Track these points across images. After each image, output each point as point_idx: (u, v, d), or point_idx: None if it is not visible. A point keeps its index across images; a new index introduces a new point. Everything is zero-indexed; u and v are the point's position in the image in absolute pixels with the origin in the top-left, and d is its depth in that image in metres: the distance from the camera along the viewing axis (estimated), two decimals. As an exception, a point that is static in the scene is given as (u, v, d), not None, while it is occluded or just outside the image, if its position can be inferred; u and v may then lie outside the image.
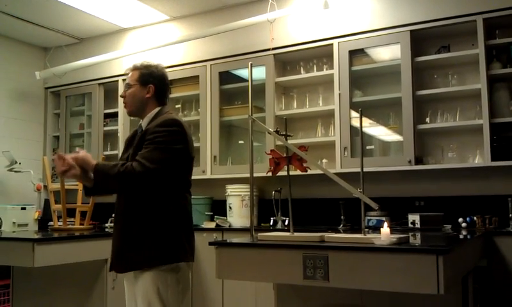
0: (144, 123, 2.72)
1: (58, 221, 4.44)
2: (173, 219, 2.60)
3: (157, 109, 2.74)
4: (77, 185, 4.52)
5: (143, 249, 2.54)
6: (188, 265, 2.67)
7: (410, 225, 3.82)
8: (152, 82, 2.73)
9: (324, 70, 4.70)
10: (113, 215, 2.78)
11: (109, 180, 2.53)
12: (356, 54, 4.48)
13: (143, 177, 2.47)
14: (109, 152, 5.66)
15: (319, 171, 2.63)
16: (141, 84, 2.72)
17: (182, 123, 2.66)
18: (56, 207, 4.40)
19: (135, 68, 2.77)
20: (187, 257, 2.62)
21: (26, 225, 4.73)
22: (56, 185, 4.56)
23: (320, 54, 4.71)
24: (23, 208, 4.79)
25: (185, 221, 2.67)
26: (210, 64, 5.11)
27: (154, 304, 2.52)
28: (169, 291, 2.55)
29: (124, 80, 5.42)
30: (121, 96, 2.78)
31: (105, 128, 5.81)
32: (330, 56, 4.56)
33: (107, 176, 2.52)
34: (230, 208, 4.73)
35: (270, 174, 2.65)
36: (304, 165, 2.55)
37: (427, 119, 4.27)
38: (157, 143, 2.54)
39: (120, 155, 3.04)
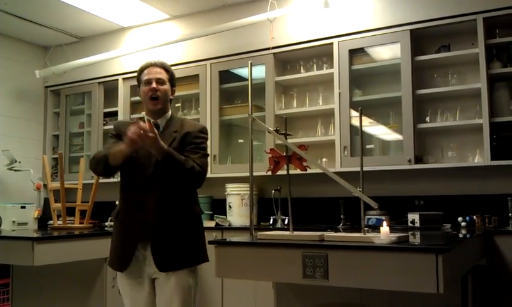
0: (161, 122, 2.76)
1: (58, 220, 4.44)
2: (200, 219, 2.80)
3: (170, 111, 2.83)
4: (76, 183, 4.53)
5: (188, 248, 2.63)
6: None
7: (410, 224, 3.82)
8: (175, 85, 2.85)
9: (324, 69, 4.70)
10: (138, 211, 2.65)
11: (180, 170, 2.55)
12: (356, 53, 4.47)
13: (202, 180, 2.67)
14: (108, 151, 5.65)
15: (318, 170, 2.63)
16: (170, 84, 2.80)
17: None
18: (55, 206, 4.40)
19: (164, 67, 2.80)
20: (207, 257, 2.74)
21: (26, 224, 4.73)
22: (56, 184, 4.56)
23: (320, 53, 4.71)
24: (23, 207, 4.79)
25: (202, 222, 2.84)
26: (210, 63, 5.11)
27: (190, 301, 2.62)
28: (196, 289, 2.69)
29: (126, 78, 5.56)
30: (154, 90, 2.71)
31: (105, 127, 5.80)
32: (330, 55, 4.55)
33: (181, 166, 2.55)
34: (230, 207, 4.73)
35: (270, 173, 2.65)
36: (304, 164, 2.55)
37: (427, 119, 4.27)
38: (202, 149, 2.73)
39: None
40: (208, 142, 4.89)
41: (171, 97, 2.83)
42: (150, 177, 2.63)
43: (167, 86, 2.77)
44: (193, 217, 2.74)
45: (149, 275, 2.63)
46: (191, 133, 2.72)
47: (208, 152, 2.83)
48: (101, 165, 2.63)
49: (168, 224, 2.60)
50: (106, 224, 4.77)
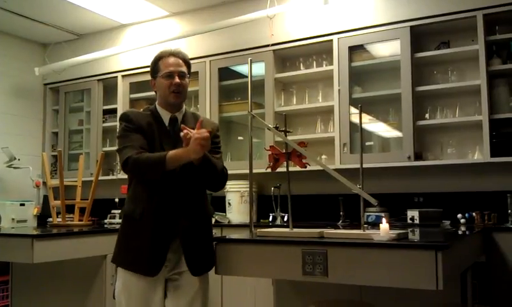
0: (179, 116, 2.63)
1: (57, 217, 4.44)
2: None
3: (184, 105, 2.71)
4: (75, 181, 4.52)
5: (212, 249, 2.54)
6: None
7: (409, 221, 3.83)
8: (190, 76, 2.71)
9: (324, 65, 4.69)
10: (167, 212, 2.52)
11: (214, 172, 2.52)
12: (355, 50, 4.47)
13: (226, 182, 2.66)
14: (108, 148, 5.65)
15: (318, 167, 2.63)
16: (189, 77, 2.67)
17: None
18: (54, 203, 4.40)
19: (185, 60, 2.66)
20: None
21: (25, 221, 4.73)
22: (55, 182, 4.56)
23: (320, 50, 4.71)
24: (22, 205, 4.78)
25: None
26: (210, 60, 5.10)
27: (207, 303, 2.59)
28: None
29: (125, 75, 5.55)
30: (178, 85, 2.57)
31: (104, 125, 5.80)
32: (330, 52, 4.55)
33: (214, 169, 2.50)
34: (229, 204, 4.73)
35: (269, 170, 2.65)
36: (304, 161, 2.55)
37: (427, 115, 4.27)
38: (220, 149, 2.70)
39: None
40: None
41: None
42: (178, 177, 2.48)
43: (188, 80, 2.64)
44: (210, 218, 2.71)
45: (165, 276, 2.51)
46: (211, 132, 2.51)
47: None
48: (158, 171, 2.40)
49: (196, 225, 2.53)
50: (106, 221, 4.76)
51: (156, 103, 2.66)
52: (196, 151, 2.32)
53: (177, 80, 2.56)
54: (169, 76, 2.57)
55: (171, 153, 2.39)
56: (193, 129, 2.39)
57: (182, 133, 2.36)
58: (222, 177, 2.59)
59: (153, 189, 2.49)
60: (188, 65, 2.67)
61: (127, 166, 2.45)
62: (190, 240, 2.49)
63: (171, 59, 2.60)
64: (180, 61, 2.62)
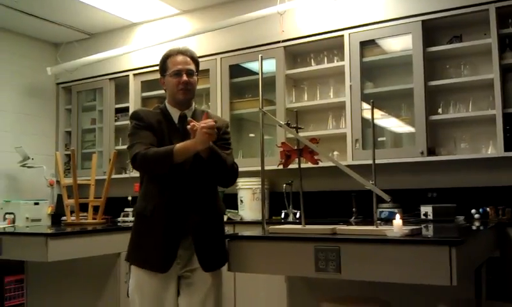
0: (188, 114, 2.63)
1: (71, 216, 4.47)
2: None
3: (193, 102, 2.73)
4: (89, 179, 4.55)
5: (224, 246, 2.55)
6: None
7: (423, 217, 3.80)
8: (198, 74, 2.71)
9: (335, 61, 4.68)
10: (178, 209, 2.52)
11: (223, 167, 2.53)
12: (367, 45, 4.45)
13: (237, 178, 2.67)
14: (120, 147, 5.68)
15: (330, 164, 2.62)
16: (197, 74, 2.68)
17: None
18: (68, 202, 4.42)
19: (193, 57, 2.67)
20: None
21: (39, 220, 4.77)
22: (69, 180, 4.58)
23: (331, 46, 4.69)
24: (36, 204, 4.83)
25: None
26: (221, 58, 5.11)
27: (221, 300, 2.60)
28: None
29: (137, 74, 5.58)
30: (186, 83, 2.58)
31: (117, 123, 5.83)
32: (341, 48, 4.53)
33: (223, 163, 2.52)
34: (241, 201, 4.74)
35: (281, 167, 2.64)
36: (316, 157, 2.54)
37: (440, 110, 4.24)
38: (230, 146, 2.68)
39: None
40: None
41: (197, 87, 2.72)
42: (188, 173, 2.50)
43: (196, 78, 2.65)
44: (222, 215, 2.72)
45: (177, 274, 2.52)
46: (220, 128, 2.59)
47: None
48: (166, 164, 2.42)
49: (208, 222, 2.54)
50: (119, 219, 4.79)
51: (166, 101, 2.69)
52: (203, 141, 2.35)
53: (185, 78, 2.58)
54: (177, 74, 2.58)
55: (179, 145, 2.42)
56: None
57: (189, 126, 2.38)
58: (232, 172, 2.60)
59: (164, 186, 2.50)
60: (196, 63, 2.68)
61: (136, 162, 2.48)
62: (201, 236, 2.49)
63: (179, 58, 2.61)
64: (188, 59, 2.63)
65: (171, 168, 2.44)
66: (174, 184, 2.49)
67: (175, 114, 2.63)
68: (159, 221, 2.48)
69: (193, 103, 2.71)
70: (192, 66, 2.63)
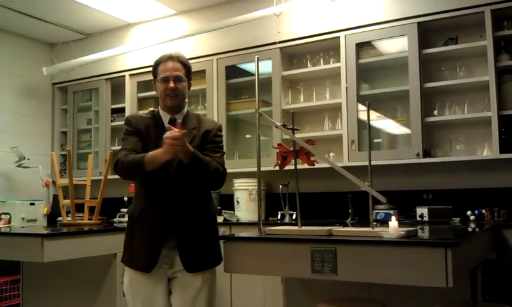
0: (179, 118, 2.67)
1: (67, 216, 4.46)
2: (217, 219, 2.79)
3: (186, 106, 2.78)
4: (85, 180, 4.54)
5: (214, 248, 2.62)
6: None
7: (418, 218, 3.81)
8: (191, 78, 2.76)
9: (331, 63, 4.68)
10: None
11: (206, 171, 2.54)
12: (363, 47, 4.46)
13: (224, 181, 2.67)
14: (116, 147, 5.66)
15: (326, 165, 2.62)
16: (187, 78, 2.72)
17: None
18: (64, 202, 4.42)
19: (182, 62, 2.71)
20: None
21: (35, 220, 4.77)
22: (65, 181, 4.57)
23: (327, 47, 4.70)
24: (32, 204, 4.82)
25: None
26: (217, 59, 5.11)
27: (213, 300, 2.62)
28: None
29: (133, 74, 5.57)
30: (172, 89, 2.63)
31: (113, 124, 5.83)
32: (337, 49, 4.54)
33: (207, 168, 2.54)
34: (238, 202, 4.74)
35: (277, 168, 2.65)
36: (312, 159, 2.55)
37: (435, 112, 4.25)
38: (222, 149, 2.72)
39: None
40: (216, 138, 4.95)
41: (188, 91, 2.76)
42: (173, 177, 2.56)
43: (184, 83, 2.69)
44: (213, 217, 2.74)
45: (166, 274, 2.58)
46: (210, 131, 2.67)
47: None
48: (137, 172, 2.54)
49: (193, 224, 2.57)
50: (115, 220, 4.78)
51: (159, 106, 2.76)
52: (167, 151, 2.42)
53: (171, 84, 2.64)
54: (164, 80, 2.66)
55: (150, 154, 2.50)
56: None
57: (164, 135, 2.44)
58: (216, 177, 2.61)
59: (151, 190, 2.61)
60: (187, 68, 2.73)
61: (116, 168, 2.60)
62: (185, 237, 2.55)
63: (169, 64, 2.67)
64: (178, 65, 2.69)
65: (158, 173, 2.53)
66: (161, 188, 2.58)
67: (165, 118, 2.69)
68: (145, 223, 2.58)
69: (185, 107, 2.76)
70: (180, 72, 2.68)
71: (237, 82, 5.12)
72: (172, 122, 2.63)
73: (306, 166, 2.63)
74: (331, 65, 4.65)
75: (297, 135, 2.62)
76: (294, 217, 4.41)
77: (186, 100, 2.82)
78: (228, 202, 4.85)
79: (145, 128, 2.66)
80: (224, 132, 4.88)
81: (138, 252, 2.58)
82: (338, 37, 4.50)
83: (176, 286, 2.60)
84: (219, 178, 2.63)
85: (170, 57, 2.68)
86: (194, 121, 2.71)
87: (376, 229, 2.39)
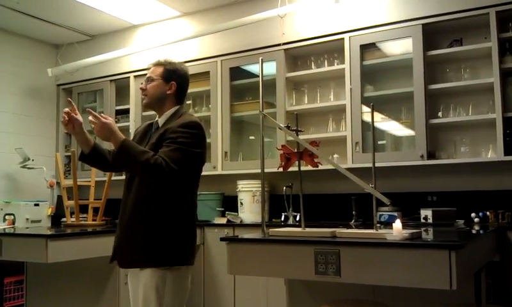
0: (161, 120, 2.73)
1: (71, 217, 4.47)
2: (180, 221, 2.61)
3: (175, 108, 2.76)
4: (89, 181, 4.56)
5: (149, 248, 2.54)
6: (188, 268, 2.65)
7: (422, 220, 3.80)
8: (175, 79, 2.75)
9: (335, 64, 4.68)
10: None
11: (134, 162, 2.49)
12: (367, 48, 4.45)
13: (166, 175, 2.47)
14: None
15: (330, 167, 2.62)
16: (164, 79, 2.72)
17: (203, 127, 2.70)
18: (68, 203, 4.43)
19: (159, 64, 2.76)
20: (188, 260, 2.62)
21: (39, 221, 4.77)
22: (69, 182, 4.59)
23: (331, 49, 4.69)
24: (36, 205, 4.83)
25: (191, 224, 2.68)
26: (221, 60, 5.11)
27: (151, 301, 2.53)
28: (166, 291, 2.54)
29: (138, 76, 5.58)
30: (141, 89, 2.76)
31: (117, 125, 5.79)
32: (341, 51, 4.53)
33: (134, 159, 2.48)
34: (241, 203, 4.74)
35: (281, 169, 2.65)
36: (316, 160, 2.54)
37: (440, 114, 4.24)
38: (179, 144, 2.54)
39: None
40: (219, 139, 4.96)
41: (169, 92, 2.72)
42: (129, 177, 2.70)
43: (156, 83, 2.71)
44: (169, 216, 2.58)
45: (125, 273, 2.70)
46: (170, 128, 2.60)
47: (197, 149, 2.60)
48: (131, 164, 2.65)
49: (135, 222, 2.58)
50: (118, 221, 4.78)
51: None
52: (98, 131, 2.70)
53: (140, 85, 2.79)
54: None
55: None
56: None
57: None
58: (146, 167, 2.46)
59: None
60: (162, 67, 2.76)
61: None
62: (124, 235, 2.62)
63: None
64: (152, 68, 2.78)
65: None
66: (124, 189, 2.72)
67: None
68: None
69: (172, 109, 2.75)
70: (152, 73, 2.76)
71: (241, 83, 5.12)
72: (155, 124, 2.77)
73: (310, 168, 2.63)
74: (336, 67, 4.64)
75: (301, 137, 2.62)
76: (297, 218, 4.40)
77: (171, 101, 2.76)
78: (232, 203, 4.85)
79: (140, 132, 2.88)
80: (227, 134, 4.97)
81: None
82: (343, 38, 4.50)
83: (129, 283, 2.74)
84: (150, 169, 2.44)
85: (151, 64, 2.82)
86: (175, 121, 2.65)
87: (380, 231, 2.39)
